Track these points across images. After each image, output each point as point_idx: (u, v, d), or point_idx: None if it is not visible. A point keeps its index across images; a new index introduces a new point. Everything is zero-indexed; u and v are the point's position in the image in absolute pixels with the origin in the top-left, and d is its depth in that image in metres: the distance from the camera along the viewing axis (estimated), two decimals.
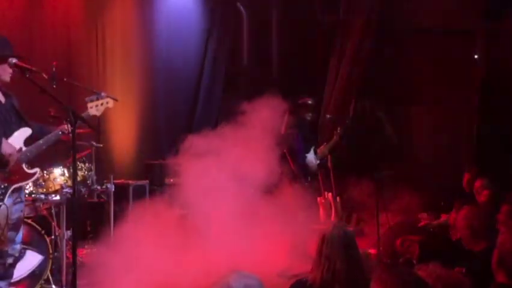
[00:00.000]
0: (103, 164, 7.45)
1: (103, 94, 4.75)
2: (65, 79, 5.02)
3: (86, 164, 6.28)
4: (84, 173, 6.22)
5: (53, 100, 3.98)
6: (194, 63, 9.38)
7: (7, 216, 4.24)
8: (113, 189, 6.59)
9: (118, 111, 7.17)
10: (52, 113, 5.20)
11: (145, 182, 7.81)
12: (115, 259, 5.28)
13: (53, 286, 5.53)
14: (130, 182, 7.64)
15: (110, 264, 5.22)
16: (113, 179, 6.64)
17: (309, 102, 7.51)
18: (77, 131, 4.04)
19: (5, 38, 4.51)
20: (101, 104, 4.71)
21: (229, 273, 2.41)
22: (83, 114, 4.49)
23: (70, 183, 5.67)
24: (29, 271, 5.33)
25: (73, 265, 3.72)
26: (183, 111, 9.22)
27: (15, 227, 4.40)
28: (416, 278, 2.52)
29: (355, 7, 9.51)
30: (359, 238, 7.40)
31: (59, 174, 5.74)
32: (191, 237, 5.89)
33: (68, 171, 5.73)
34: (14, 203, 4.37)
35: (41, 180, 5.64)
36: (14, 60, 4.28)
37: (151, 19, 8.84)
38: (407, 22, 10.12)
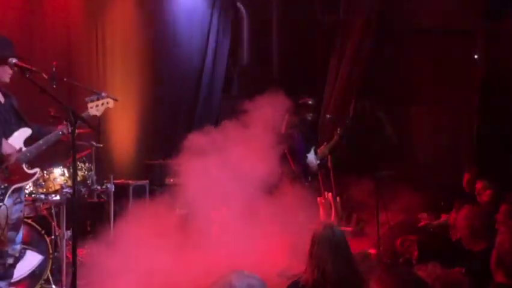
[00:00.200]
0: (103, 164, 7.45)
1: (103, 94, 4.75)
2: (65, 79, 5.01)
3: (86, 164, 6.28)
4: (84, 173, 6.22)
5: (53, 100, 3.98)
6: (194, 63, 9.38)
7: (7, 216, 4.24)
8: (113, 189, 6.59)
9: (118, 111, 7.16)
10: (52, 113, 5.19)
11: (145, 182, 7.81)
12: (115, 259, 5.27)
13: (53, 286, 5.53)
14: (130, 182, 7.64)
15: (110, 264, 5.22)
16: (113, 179, 6.64)
17: (310, 102, 7.52)
18: (77, 131, 4.04)
19: (6, 38, 4.51)
20: (102, 104, 4.71)
21: (230, 272, 2.41)
22: (83, 114, 4.49)
23: (70, 183, 5.67)
24: (29, 271, 5.33)
25: (73, 265, 3.72)
26: (183, 111, 9.22)
27: (15, 227, 4.40)
28: (416, 278, 2.52)
29: (355, 7, 9.51)
30: (359, 238, 7.46)
31: (59, 174, 5.74)
32: (191, 237, 5.89)
33: (68, 171, 5.73)
34: (14, 203, 4.37)
35: (41, 180, 5.64)
36: (14, 60, 4.28)
37: (151, 19, 8.84)
38: (407, 22, 10.12)
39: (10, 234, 4.34)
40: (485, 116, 10.20)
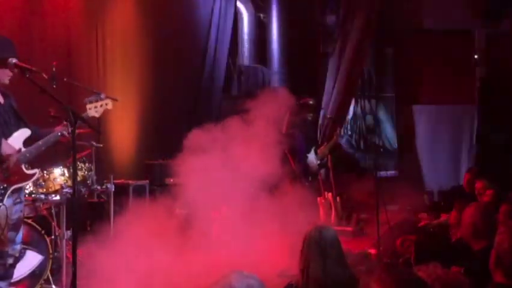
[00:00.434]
0: (103, 164, 7.45)
1: (102, 95, 4.73)
2: (65, 79, 5.02)
3: (86, 164, 6.28)
4: (84, 173, 6.22)
5: (53, 100, 3.98)
6: (194, 63, 9.38)
7: (7, 216, 4.24)
8: (113, 189, 6.58)
9: (118, 111, 7.14)
10: (52, 113, 5.18)
11: (145, 182, 7.81)
12: (115, 259, 5.27)
13: (53, 286, 5.53)
14: (130, 182, 7.64)
15: (110, 264, 5.22)
16: (113, 179, 6.64)
17: (310, 102, 7.52)
18: (77, 131, 4.03)
19: (6, 39, 4.50)
20: (100, 106, 4.69)
21: (230, 273, 2.41)
22: (82, 115, 4.49)
23: (70, 183, 5.67)
24: (29, 271, 5.33)
25: (73, 265, 3.71)
26: (183, 111, 9.22)
27: (15, 228, 4.40)
28: (416, 278, 2.52)
29: (355, 7, 9.51)
30: (359, 238, 7.46)
31: (59, 174, 5.74)
32: (191, 237, 5.88)
33: (68, 171, 5.72)
34: (14, 204, 4.37)
35: (41, 180, 5.63)
36: (14, 60, 4.28)
37: (151, 19, 8.84)
38: (407, 22, 10.14)
39: (10, 234, 4.34)
40: (485, 116, 10.22)
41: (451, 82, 10.31)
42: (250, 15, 10.30)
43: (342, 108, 9.34)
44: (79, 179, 6.04)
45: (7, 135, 4.37)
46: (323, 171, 8.01)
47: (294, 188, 6.71)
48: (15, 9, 7.48)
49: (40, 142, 4.46)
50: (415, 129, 10.44)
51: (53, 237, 5.76)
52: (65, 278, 5.51)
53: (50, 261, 5.44)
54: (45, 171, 5.66)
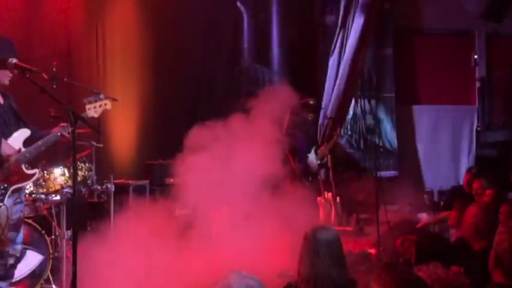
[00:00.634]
0: (103, 164, 7.45)
1: (101, 96, 4.73)
2: (65, 79, 5.01)
3: (86, 164, 6.27)
4: (84, 173, 6.21)
5: (53, 100, 3.98)
6: (194, 63, 9.38)
7: (7, 216, 4.24)
8: (113, 189, 6.58)
9: (118, 111, 7.17)
10: (52, 113, 5.19)
11: (145, 182, 7.81)
12: (115, 259, 5.27)
13: (53, 286, 5.53)
14: (130, 182, 7.63)
15: (110, 264, 5.22)
16: (113, 179, 6.64)
17: (311, 102, 7.52)
18: (77, 131, 4.03)
19: (6, 39, 4.50)
20: (100, 106, 4.69)
21: (229, 273, 2.41)
22: (82, 115, 4.49)
23: (70, 183, 5.67)
24: (29, 271, 5.33)
25: (73, 265, 3.71)
26: (183, 111, 9.21)
27: (15, 228, 4.40)
28: (416, 278, 2.52)
29: (355, 7, 9.51)
30: (359, 238, 7.46)
31: (59, 174, 5.74)
32: (191, 237, 5.88)
33: (69, 171, 5.73)
34: (15, 204, 4.37)
35: (41, 180, 5.64)
36: (14, 61, 4.28)
37: (151, 19, 8.84)
38: (407, 22, 10.14)
39: (11, 234, 4.34)
40: (485, 116, 10.22)
41: (451, 82, 10.31)
42: (250, 15, 10.29)
43: (342, 108, 9.34)
44: (79, 179, 6.04)
45: (7, 135, 4.37)
46: (322, 171, 8.00)
47: (294, 188, 6.71)
48: (15, 9, 7.48)
49: (40, 142, 4.46)
50: (415, 129, 10.44)
51: (53, 237, 5.77)
52: (65, 278, 5.51)
53: (50, 261, 5.44)
54: (45, 171, 5.66)
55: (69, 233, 5.75)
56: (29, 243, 5.30)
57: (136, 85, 8.67)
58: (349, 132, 9.87)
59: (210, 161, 5.96)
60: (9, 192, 4.28)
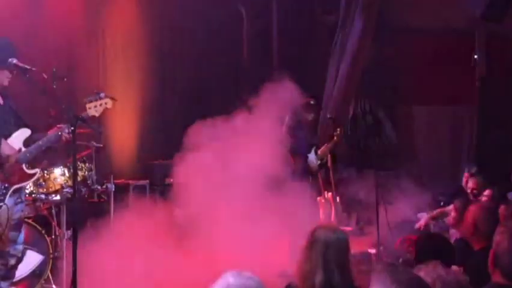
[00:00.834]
0: (103, 164, 7.45)
1: (101, 94, 4.73)
2: (65, 79, 5.02)
3: (87, 164, 6.28)
4: (84, 173, 6.22)
5: (53, 100, 3.98)
6: (194, 63, 9.38)
7: (8, 216, 4.24)
8: (113, 189, 6.59)
9: (118, 111, 7.16)
10: (52, 114, 5.20)
11: (145, 182, 7.81)
12: (115, 259, 5.28)
13: (54, 286, 5.54)
14: (130, 182, 7.64)
15: (110, 264, 5.22)
16: (113, 179, 6.64)
17: (311, 102, 7.51)
18: (77, 131, 4.04)
19: (6, 40, 4.50)
20: (100, 105, 4.69)
21: (228, 273, 2.41)
22: (82, 115, 4.49)
23: (70, 183, 5.68)
24: (30, 271, 5.34)
25: (73, 265, 3.72)
26: (183, 111, 9.21)
27: (16, 227, 4.41)
28: (416, 278, 2.52)
29: (355, 7, 9.51)
30: (359, 238, 7.46)
31: (59, 174, 5.75)
32: (191, 237, 5.89)
33: (69, 171, 5.73)
34: (15, 203, 4.38)
35: (41, 180, 5.64)
36: (14, 61, 4.28)
37: (152, 19, 8.84)
38: (406, 22, 10.13)
39: (12, 234, 4.35)
40: (485, 116, 10.22)
41: (451, 82, 10.30)
42: (250, 16, 10.29)
43: (342, 108, 9.34)
44: (79, 179, 6.04)
45: (7, 135, 4.38)
46: (322, 171, 8.00)
47: (294, 188, 6.70)
48: (15, 9, 7.48)
49: (40, 142, 4.47)
50: (415, 129, 10.44)
51: (53, 237, 5.77)
52: (66, 278, 5.51)
53: (51, 261, 5.45)
54: (45, 171, 5.66)
55: (69, 233, 5.76)
56: (29, 243, 5.30)
57: (137, 85, 8.67)
58: (349, 132, 9.86)
59: (209, 160, 5.96)
60: (10, 192, 4.29)
